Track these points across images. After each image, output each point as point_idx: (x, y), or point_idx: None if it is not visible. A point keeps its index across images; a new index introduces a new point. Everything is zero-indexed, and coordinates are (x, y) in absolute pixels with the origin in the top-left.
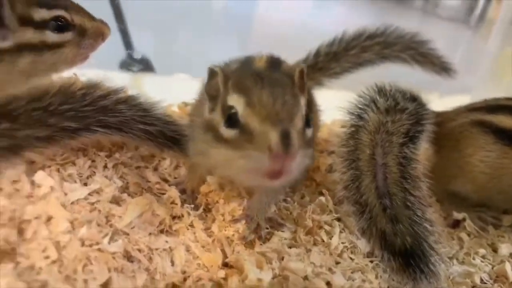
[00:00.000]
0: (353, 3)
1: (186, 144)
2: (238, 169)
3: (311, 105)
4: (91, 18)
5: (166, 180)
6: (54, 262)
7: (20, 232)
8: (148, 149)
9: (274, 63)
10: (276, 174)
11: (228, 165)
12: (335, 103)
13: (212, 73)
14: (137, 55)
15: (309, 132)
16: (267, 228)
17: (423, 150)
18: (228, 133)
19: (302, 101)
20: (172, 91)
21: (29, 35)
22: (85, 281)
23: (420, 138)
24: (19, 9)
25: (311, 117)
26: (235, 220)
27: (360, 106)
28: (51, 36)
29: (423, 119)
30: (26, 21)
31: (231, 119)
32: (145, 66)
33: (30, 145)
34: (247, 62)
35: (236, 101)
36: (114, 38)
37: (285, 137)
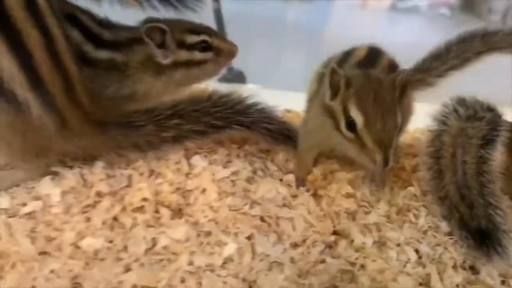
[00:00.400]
0: (428, 18)
1: (296, 141)
2: (350, 153)
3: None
4: (225, 40)
5: (280, 169)
6: (211, 220)
7: (185, 198)
8: (266, 144)
9: (375, 53)
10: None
11: (342, 147)
12: (417, 115)
13: (333, 72)
14: (234, 69)
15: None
16: None
17: (498, 152)
18: (348, 134)
19: (399, 117)
20: None
21: (183, 55)
22: (236, 233)
23: (496, 141)
24: (176, 35)
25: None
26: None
27: (443, 114)
28: (198, 55)
29: (498, 126)
30: (180, 44)
31: (351, 125)
32: (241, 78)
33: (190, 136)
34: (347, 55)
35: (355, 116)
36: None
37: (386, 160)
